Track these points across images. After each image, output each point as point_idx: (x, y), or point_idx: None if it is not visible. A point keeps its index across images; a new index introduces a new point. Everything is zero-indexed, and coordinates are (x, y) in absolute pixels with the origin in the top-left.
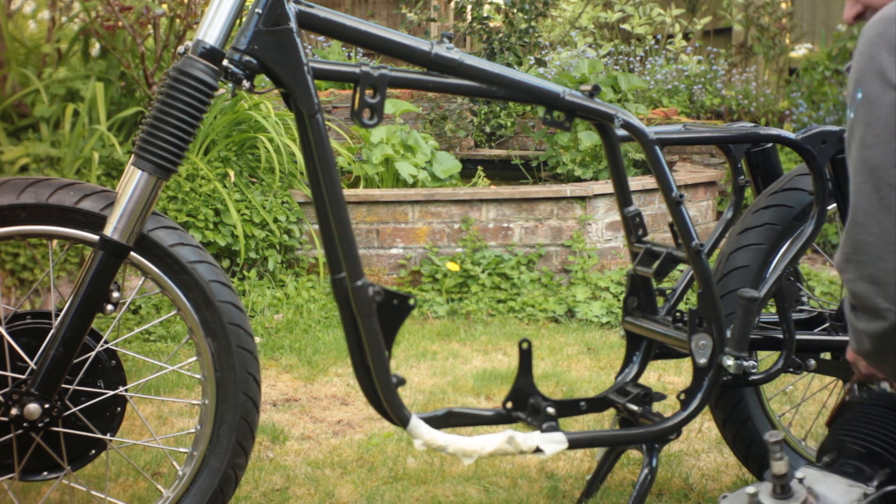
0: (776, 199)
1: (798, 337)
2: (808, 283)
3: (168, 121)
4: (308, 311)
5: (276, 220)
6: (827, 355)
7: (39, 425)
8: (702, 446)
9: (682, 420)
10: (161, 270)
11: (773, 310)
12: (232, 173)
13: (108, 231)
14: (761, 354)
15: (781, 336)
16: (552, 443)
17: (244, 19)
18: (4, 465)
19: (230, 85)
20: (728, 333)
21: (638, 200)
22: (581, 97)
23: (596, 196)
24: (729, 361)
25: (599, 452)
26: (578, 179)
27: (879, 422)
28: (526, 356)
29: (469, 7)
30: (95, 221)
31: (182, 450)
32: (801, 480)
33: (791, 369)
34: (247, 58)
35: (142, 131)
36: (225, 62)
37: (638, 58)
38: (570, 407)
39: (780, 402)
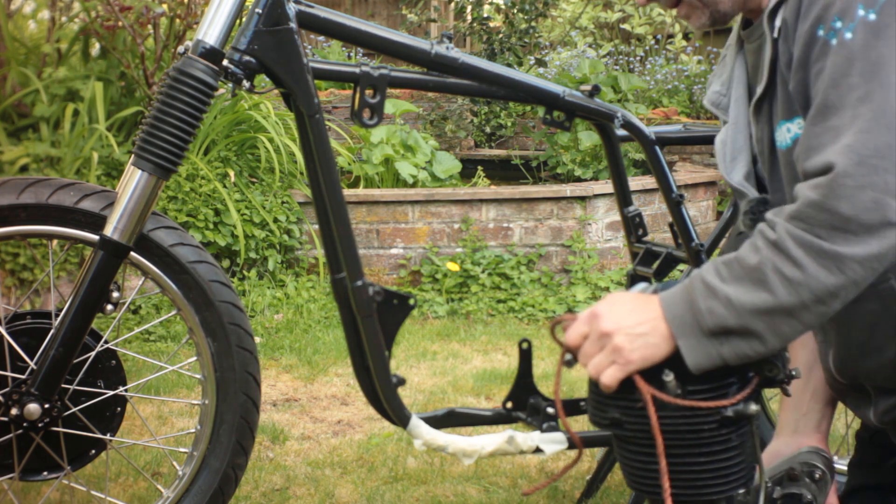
0: None
1: None
2: None
3: (168, 121)
4: (308, 311)
5: (276, 220)
6: None
7: (39, 425)
8: None
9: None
10: (161, 270)
11: None
12: (232, 173)
13: (108, 231)
14: None
15: None
16: (552, 443)
17: (244, 19)
18: (4, 465)
19: (230, 85)
20: None
21: (638, 200)
22: (581, 97)
23: (596, 196)
24: None
25: (599, 452)
26: (578, 179)
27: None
28: (526, 356)
29: (469, 7)
30: (95, 221)
31: (182, 450)
32: None
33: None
34: (247, 58)
35: (142, 131)
36: (225, 62)
37: (638, 58)
38: (570, 407)
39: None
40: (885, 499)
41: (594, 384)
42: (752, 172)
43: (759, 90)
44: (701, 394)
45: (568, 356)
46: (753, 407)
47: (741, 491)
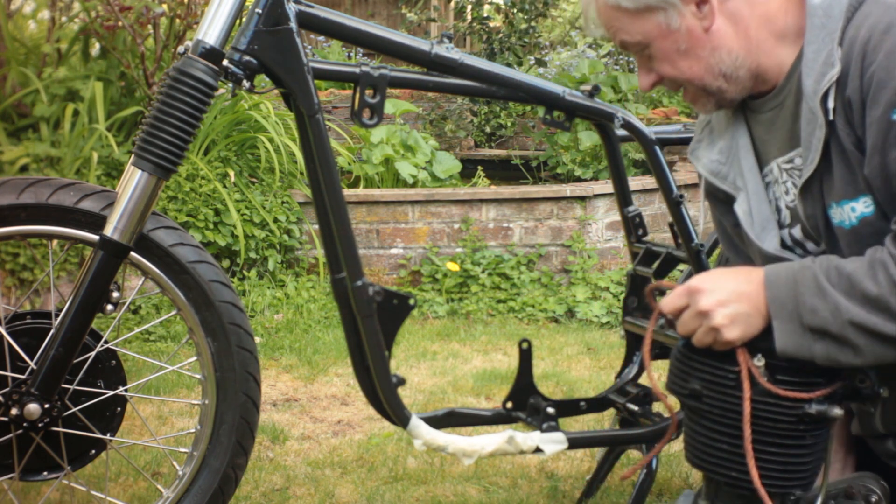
0: None
1: None
2: None
3: (168, 121)
4: (308, 311)
5: (276, 220)
6: None
7: (39, 425)
8: None
9: (682, 420)
10: (161, 270)
11: None
12: (232, 173)
13: (108, 231)
14: None
15: None
16: (552, 443)
17: (244, 19)
18: (4, 465)
19: (230, 85)
20: None
21: (638, 200)
22: (581, 97)
23: (596, 196)
24: None
25: (599, 452)
26: (578, 179)
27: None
28: (526, 356)
29: (469, 7)
30: (95, 221)
31: (182, 450)
32: None
33: None
34: (247, 58)
35: (142, 131)
36: (225, 62)
37: None
38: (570, 407)
39: None
40: None
41: (680, 353)
42: (783, 240)
43: (809, 170)
44: (788, 385)
45: (661, 321)
46: (837, 411)
47: (797, 493)
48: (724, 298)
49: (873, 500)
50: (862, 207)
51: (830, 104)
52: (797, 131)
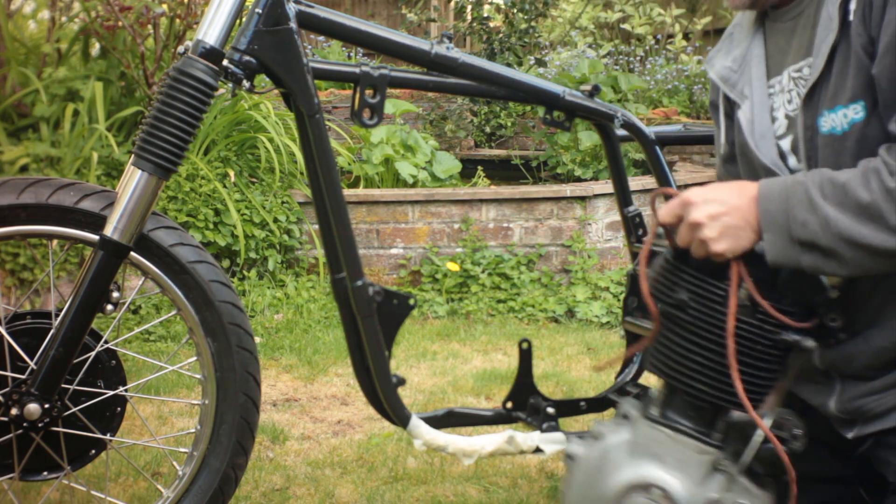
0: None
1: None
2: None
3: (168, 121)
4: (308, 311)
5: (276, 220)
6: None
7: (39, 425)
8: None
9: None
10: (161, 270)
11: None
12: (232, 173)
13: (108, 231)
14: None
15: None
16: (552, 443)
17: (244, 19)
18: (4, 465)
19: (230, 85)
20: None
21: (638, 200)
22: (581, 97)
23: (596, 196)
24: None
25: None
26: (578, 179)
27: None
28: (526, 356)
29: (469, 7)
30: (95, 221)
31: (182, 450)
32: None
33: None
34: (247, 58)
35: (142, 131)
36: (225, 62)
37: (638, 58)
38: (570, 407)
39: None
40: (849, 490)
41: (671, 263)
42: (780, 152)
43: (815, 76)
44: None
45: (660, 230)
46: (810, 342)
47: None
48: (715, 211)
49: (797, 433)
50: (852, 114)
51: (853, 6)
52: (813, 39)
